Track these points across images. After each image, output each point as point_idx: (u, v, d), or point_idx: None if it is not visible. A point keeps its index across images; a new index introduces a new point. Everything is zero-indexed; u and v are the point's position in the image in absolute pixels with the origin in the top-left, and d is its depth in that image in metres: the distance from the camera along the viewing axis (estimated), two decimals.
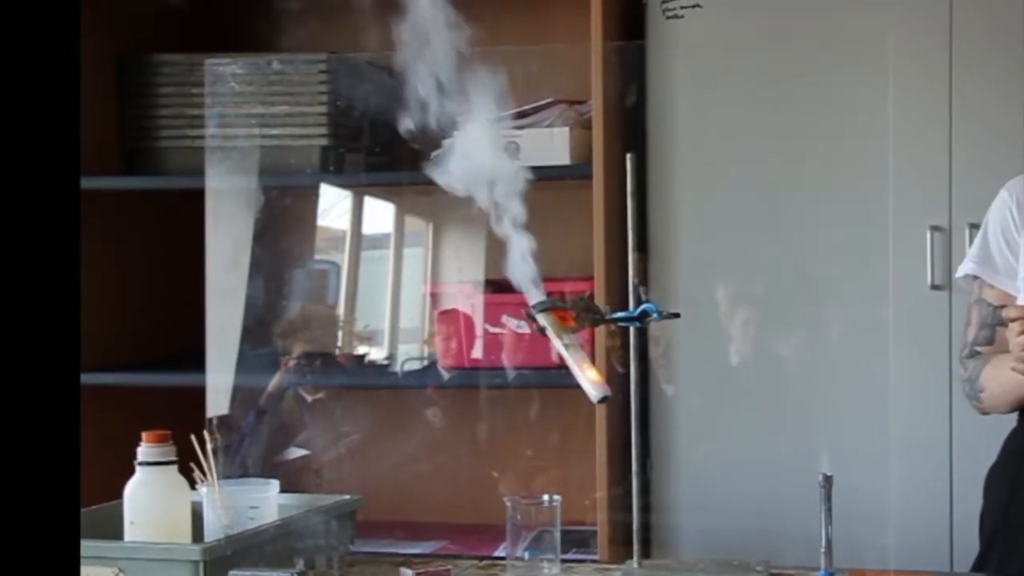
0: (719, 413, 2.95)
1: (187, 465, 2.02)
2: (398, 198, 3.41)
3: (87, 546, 1.73)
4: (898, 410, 2.82)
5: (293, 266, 3.41)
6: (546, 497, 2.05)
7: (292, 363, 3.20)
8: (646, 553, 2.14)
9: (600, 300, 2.80)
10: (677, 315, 2.06)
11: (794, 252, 2.93)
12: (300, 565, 1.89)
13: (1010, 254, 2.28)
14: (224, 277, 3.17)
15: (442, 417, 3.17)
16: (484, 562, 2.17)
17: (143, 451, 1.98)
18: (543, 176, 2.76)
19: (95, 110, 3.17)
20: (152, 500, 1.97)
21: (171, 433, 2.00)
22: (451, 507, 3.28)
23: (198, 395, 3.04)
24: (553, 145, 2.95)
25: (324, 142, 3.12)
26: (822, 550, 1.92)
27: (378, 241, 3.45)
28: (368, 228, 3.45)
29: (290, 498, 2.14)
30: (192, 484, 2.03)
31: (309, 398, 3.26)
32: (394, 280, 3.42)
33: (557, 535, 2.04)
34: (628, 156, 2.17)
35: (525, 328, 2.95)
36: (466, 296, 3.12)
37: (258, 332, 3.23)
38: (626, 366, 2.20)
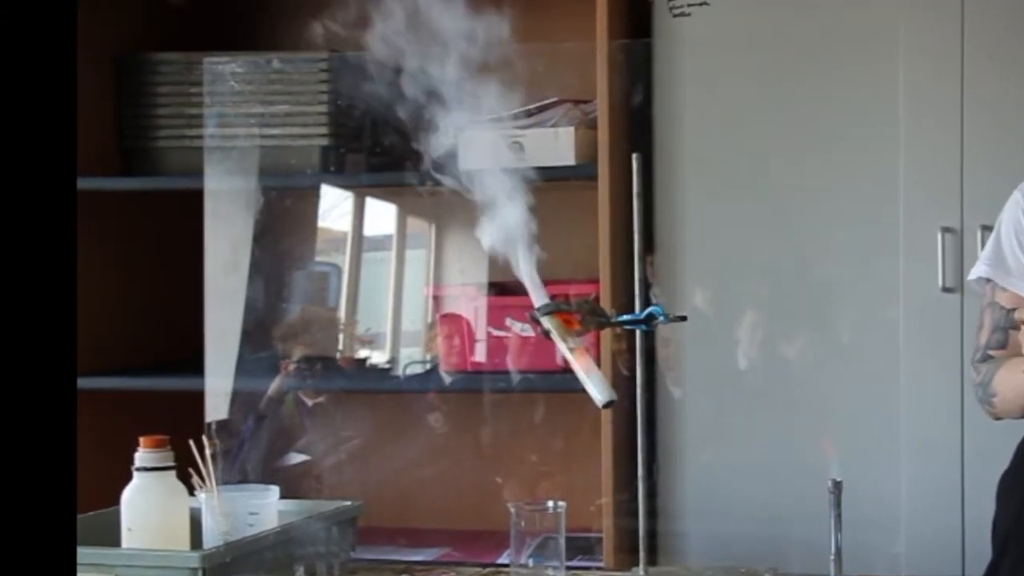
0: (726, 417, 2.94)
1: (185, 471, 2.02)
2: (400, 199, 3.41)
3: (84, 553, 1.73)
4: (909, 415, 2.83)
5: (293, 268, 3.41)
6: (550, 503, 2.04)
7: (292, 367, 3.19)
8: (652, 560, 2.18)
9: (605, 303, 2.80)
10: (684, 318, 2.07)
11: (803, 254, 2.93)
12: (300, 572, 1.91)
13: (1023, 256, 2.25)
14: (223, 279, 3.17)
15: (444, 422, 3.17)
16: (487, 569, 2.21)
17: (141, 456, 1.98)
18: (548, 176, 2.77)
19: (92, 109, 3.16)
20: (150, 506, 1.98)
21: (169, 438, 2.00)
22: (454, 513, 3.27)
23: (197, 399, 3.04)
24: (558, 145, 2.95)
25: (325, 142, 3.11)
26: (831, 557, 1.92)
27: (379, 243, 3.45)
28: (369, 229, 3.45)
29: (290, 504, 2.13)
30: (191, 490, 2.03)
31: (309, 402, 3.26)
32: (396, 282, 3.42)
33: (562, 542, 2.02)
34: (634, 156, 2.19)
35: (529, 331, 2.94)
36: (469, 299, 3.12)
37: (258, 335, 3.23)
38: (632, 370, 2.21)
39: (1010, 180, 2.34)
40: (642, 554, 2.07)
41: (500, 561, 2.56)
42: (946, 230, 2.83)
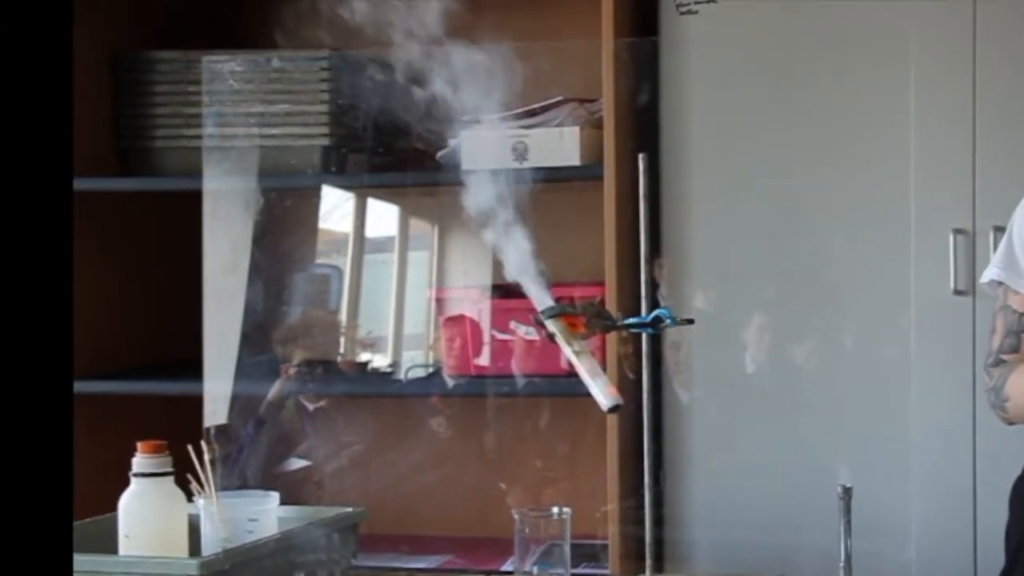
0: (734, 422, 2.93)
1: (184, 476, 2.01)
2: (402, 200, 3.41)
3: (80, 560, 1.72)
4: (920, 420, 2.82)
5: (294, 270, 3.41)
6: (555, 509, 2.04)
7: (292, 371, 3.19)
8: (659, 567, 2.16)
9: (611, 305, 2.80)
10: (691, 321, 2.06)
11: (812, 256, 2.92)
12: None
13: None
14: (222, 281, 3.17)
15: (448, 427, 3.18)
16: None
17: (138, 462, 1.98)
18: (552, 177, 2.78)
19: (89, 109, 3.15)
20: (148, 513, 1.98)
21: (167, 443, 1.99)
22: (457, 520, 3.27)
23: (195, 404, 3.04)
24: (563, 145, 2.94)
25: (326, 142, 3.10)
26: (841, 564, 1.92)
27: (381, 244, 3.45)
28: (371, 231, 3.45)
29: (290, 510, 2.13)
30: (189, 496, 2.03)
31: (310, 407, 3.26)
32: (398, 285, 3.42)
33: (567, 549, 2.02)
34: (640, 156, 2.18)
35: (534, 335, 2.94)
36: (473, 301, 3.12)
37: (257, 338, 3.23)
38: (638, 374, 2.22)
39: (1022, 181, 2.35)
40: (648, 561, 2.07)
41: (504, 568, 2.59)
42: (958, 232, 2.81)
